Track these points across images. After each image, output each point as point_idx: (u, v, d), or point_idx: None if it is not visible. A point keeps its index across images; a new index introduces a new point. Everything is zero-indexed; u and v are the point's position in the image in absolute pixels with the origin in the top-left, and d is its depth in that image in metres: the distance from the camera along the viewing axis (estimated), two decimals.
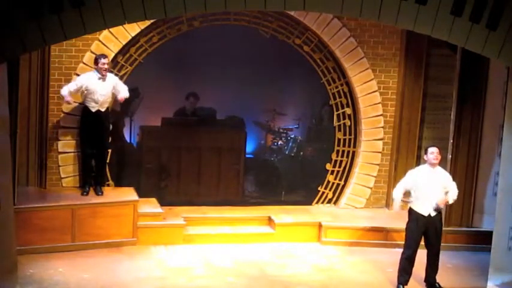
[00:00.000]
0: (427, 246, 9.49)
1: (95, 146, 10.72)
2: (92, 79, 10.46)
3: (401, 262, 9.45)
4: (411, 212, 9.42)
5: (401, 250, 9.57)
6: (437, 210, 9.35)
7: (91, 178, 10.76)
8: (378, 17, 8.29)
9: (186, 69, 12.28)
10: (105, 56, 10.51)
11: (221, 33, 11.59)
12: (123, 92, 10.64)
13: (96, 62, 10.51)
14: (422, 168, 9.51)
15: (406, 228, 9.50)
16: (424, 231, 9.38)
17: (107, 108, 10.74)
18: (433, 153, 9.36)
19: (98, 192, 10.67)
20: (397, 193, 9.51)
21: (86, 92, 10.48)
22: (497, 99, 10.79)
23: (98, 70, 10.48)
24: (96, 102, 10.53)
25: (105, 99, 10.58)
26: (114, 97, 10.78)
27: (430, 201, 9.29)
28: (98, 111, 10.58)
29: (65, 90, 10.38)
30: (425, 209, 9.30)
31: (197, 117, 11.92)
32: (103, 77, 10.46)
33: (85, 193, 10.61)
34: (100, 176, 10.84)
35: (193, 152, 11.67)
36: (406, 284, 9.44)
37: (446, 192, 9.41)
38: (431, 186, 9.32)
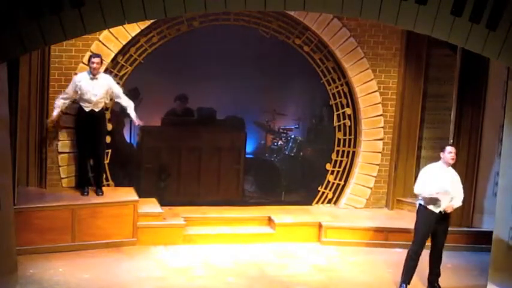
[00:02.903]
0: (434, 245, 9.38)
1: (91, 146, 10.70)
2: (84, 79, 10.43)
3: (408, 260, 9.33)
4: (423, 209, 9.27)
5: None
6: (446, 211, 9.25)
7: (88, 178, 10.75)
8: (378, 17, 8.27)
9: (186, 69, 12.27)
10: (96, 55, 10.46)
11: (221, 33, 11.59)
12: (124, 101, 10.63)
13: (88, 60, 10.53)
14: (437, 165, 9.33)
15: (416, 227, 9.33)
16: (433, 230, 9.27)
17: (103, 108, 10.71)
18: (451, 152, 9.20)
19: (98, 193, 10.66)
20: (423, 190, 9.24)
21: (79, 91, 10.46)
22: (497, 99, 10.79)
23: (90, 69, 10.49)
24: (90, 102, 10.49)
25: (98, 100, 10.53)
26: (112, 97, 10.76)
27: (443, 199, 9.17)
28: (92, 111, 10.55)
29: (58, 101, 10.44)
30: (438, 207, 9.19)
31: (197, 118, 11.92)
32: (94, 77, 10.43)
33: (85, 193, 10.60)
34: (98, 177, 10.82)
35: (193, 152, 11.66)
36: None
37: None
38: (445, 185, 9.19)
